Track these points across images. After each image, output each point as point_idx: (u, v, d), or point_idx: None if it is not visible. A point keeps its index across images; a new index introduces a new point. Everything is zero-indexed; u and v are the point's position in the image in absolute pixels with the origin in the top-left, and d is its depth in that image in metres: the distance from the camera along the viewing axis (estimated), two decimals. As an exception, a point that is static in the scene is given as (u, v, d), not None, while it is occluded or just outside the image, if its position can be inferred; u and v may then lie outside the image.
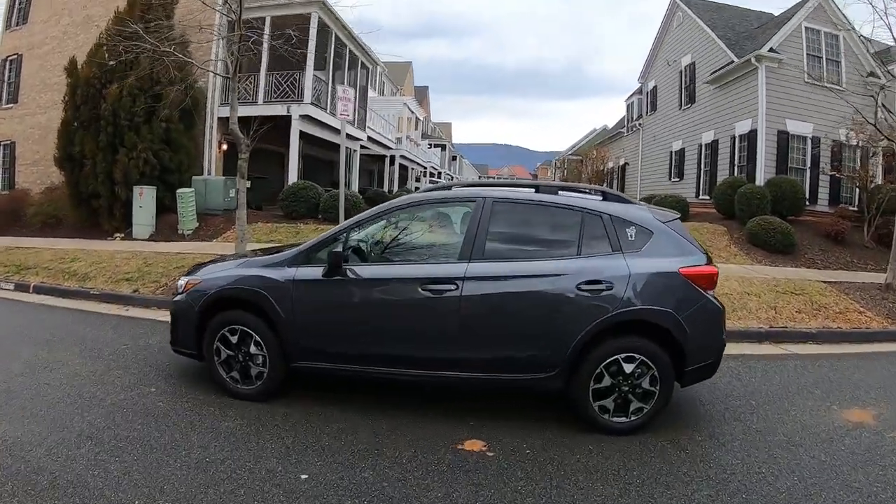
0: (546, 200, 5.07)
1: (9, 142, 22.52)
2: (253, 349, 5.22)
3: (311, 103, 19.14)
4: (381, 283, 5.00)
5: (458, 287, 4.73)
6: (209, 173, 18.37)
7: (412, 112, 39.41)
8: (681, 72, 26.26)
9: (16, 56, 22.82)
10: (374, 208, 5.36)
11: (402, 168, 38.00)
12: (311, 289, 5.07)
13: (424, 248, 5.33)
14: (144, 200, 15.14)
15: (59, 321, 8.48)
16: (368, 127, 27.16)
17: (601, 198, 5.18)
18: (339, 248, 5.04)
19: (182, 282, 5.73)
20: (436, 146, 54.57)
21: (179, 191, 14.97)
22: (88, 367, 6.10)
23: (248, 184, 18.39)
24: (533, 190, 5.27)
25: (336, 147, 24.72)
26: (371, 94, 30.55)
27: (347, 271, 4.99)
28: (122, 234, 15.53)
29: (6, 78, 23.18)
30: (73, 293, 10.36)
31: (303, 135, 19.67)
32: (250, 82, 19.43)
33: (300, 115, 18.89)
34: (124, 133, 15.27)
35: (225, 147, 19.42)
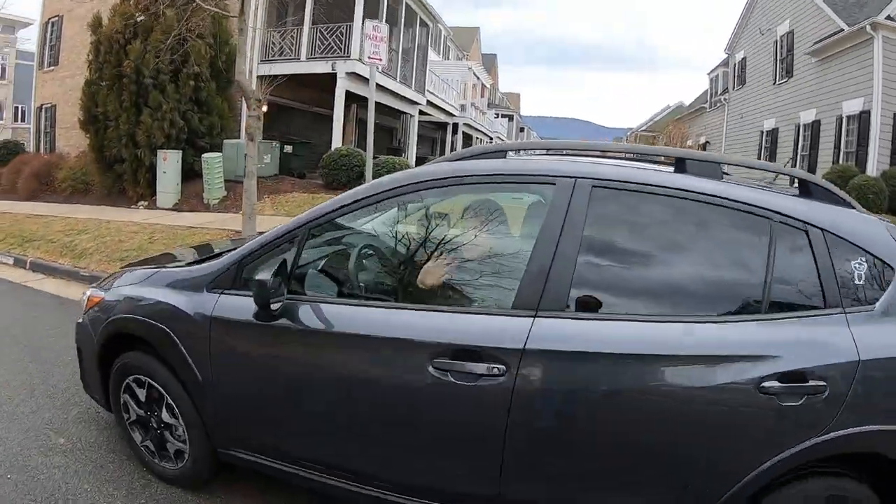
0: (704, 191, 2.47)
1: (50, 105, 22.23)
2: (166, 416, 3.30)
3: (360, 60, 17.23)
4: (356, 344, 2.69)
5: (511, 370, 2.37)
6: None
7: (478, 78, 37.39)
8: (776, 41, 22.95)
9: (57, 18, 22.23)
10: (365, 187, 2.96)
11: (466, 137, 36.11)
12: (238, 336, 2.98)
13: (447, 276, 2.86)
14: (168, 166, 13.86)
15: (25, 311, 7.14)
16: (428, 91, 25.09)
17: (797, 191, 2.68)
18: (273, 272, 2.67)
19: (86, 295, 3.84)
20: (503, 116, 52.28)
21: (205, 156, 13.58)
22: (10, 390, 4.63)
23: (289, 149, 17.41)
24: (671, 168, 2.67)
25: (395, 112, 23.43)
26: (433, 57, 28.62)
27: (299, 310, 2.79)
28: (147, 203, 14.37)
29: (48, 41, 22.82)
30: (64, 273, 9.13)
31: (352, 96, 17.94)
32: (293, 37, 17.83)
33: (346, 73, 17.08)
34: (149, 92, 13.97)
35: (265, 108, 17.87)
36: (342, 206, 2.90)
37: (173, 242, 9.62)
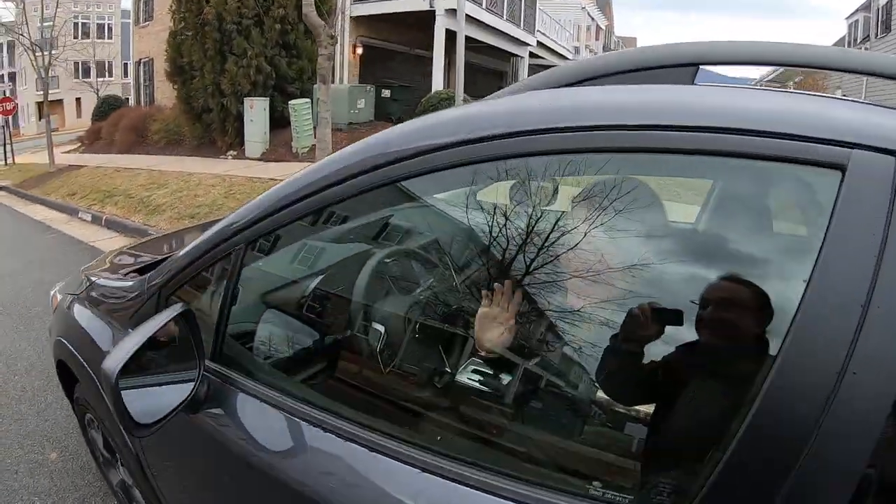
0: None
1: (147, 59, 22.33)
2: (123, 473, 2.27)
3: (460, -5, 15.76)
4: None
5: None
6: (340, 81, 15.79)
7: (592, 19, 35.09)
8: (927, -21, 19.58)
9: (149, -27, 22.22)
10: (360, 148, 1.26)
11: (581, 84, 34.09)
12: None
13: (533, 397, 1.17)
14: (255, 114, 13.01)
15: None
16: (538, 31, 23.06)
17: None
18: (136, 342, 1.32)
19: (51, 295, 2.78)
20: (619, 62, 49.29)
21: (292, 102, 12.57)
22: (29, 378, 4.01)
23: (386, 93, 16.29)
24: None
25: (503, 54, 21.64)
26: (544, -6, 26.55)
27: (232, 402, 1.39)
28: (236, 152, 13.67)
29: (142, -3, 22.90)
30: (134, 231, 8.41)
31: (453, 36, 16.48)
32: (386, -29, 16.50)
33: (445, 10, 15.49)
34: (232, 39, 13.16)
35: (360, 51, 16.80)
36: (306, 196, 1.29)
37: (251, 196, 8.63)
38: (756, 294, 0.90)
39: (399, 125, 1.27)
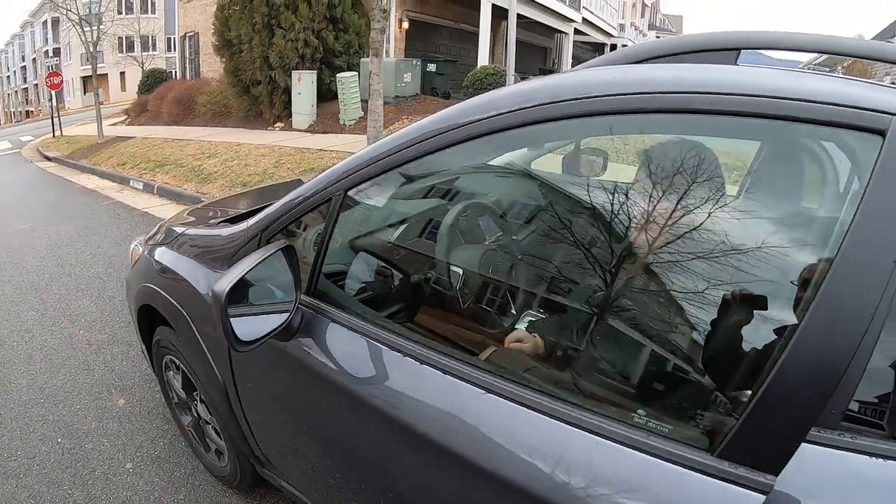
0: None
1: (193, 32, 22.70)
2: (202, 410, 2.44)
3: (507, -31, 15.49)
4: (405, 440, 1.31)
5: None
6: (386, 55, 15.67)
7: (638, -5, 34.48)
8: None
9: (195, -52, 22.27)
10: (454, 112, 1.38)
11: (625, 61, 33.55)
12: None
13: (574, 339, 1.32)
14: (303, 87, 12.93)
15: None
16: (584, 7, 22.89)
17: None
18: (239, 272, 1.44)
19: (131, 248, 2.94)
20: (665, 40, 48.39)
21: (339, 75, 12.47)
22: (95, 331, 4.14)
23: (432, 67, 16.14)
24: None
25: (547, 30, 21.47)
26: (589, -30, 26.07)
27: (324, 332, 1.55)
28: (283, 124, 13.69)
29: (189, -31, 23.00)
30: (188, 199, 8.40)
31: (500, 12, 16.26)
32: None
33: (493, -15, 15.30)
34: (280, 13, 13.09)
35: (406, 25, 16.67)
36: (402, 148, 1.40)
37: (299, 166, 8.65)
38: (802, 239, 1.04)
39: (496, 92, 1.35)
